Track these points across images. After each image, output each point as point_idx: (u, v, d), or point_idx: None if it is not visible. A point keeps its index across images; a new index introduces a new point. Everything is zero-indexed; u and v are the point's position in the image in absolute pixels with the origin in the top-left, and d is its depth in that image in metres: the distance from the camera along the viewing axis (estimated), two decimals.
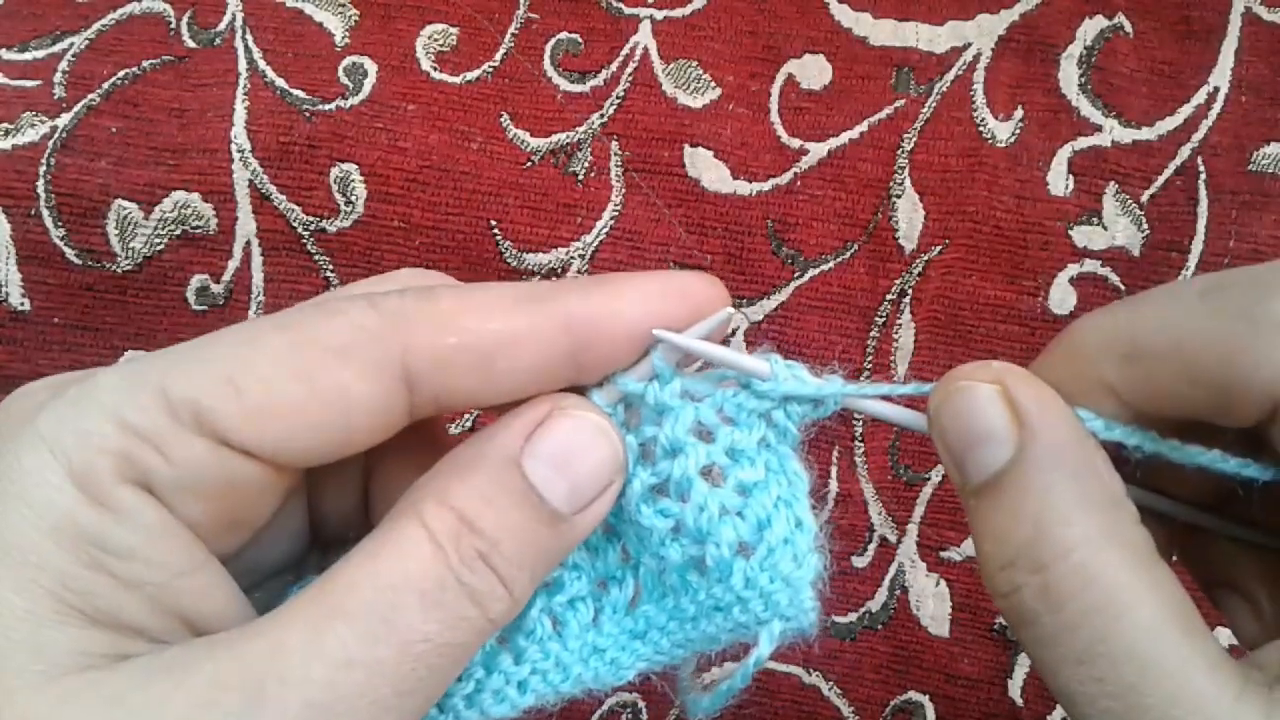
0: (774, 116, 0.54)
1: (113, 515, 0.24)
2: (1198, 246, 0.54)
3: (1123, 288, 0.54)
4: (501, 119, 0.53)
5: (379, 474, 0.32)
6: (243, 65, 0.52)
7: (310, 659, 0.24)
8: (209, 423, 0.25)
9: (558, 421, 0.27)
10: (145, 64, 0.52)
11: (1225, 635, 0.43)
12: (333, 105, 0.52)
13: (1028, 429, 0.26)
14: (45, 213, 0.50)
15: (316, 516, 0.32)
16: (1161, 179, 0.54)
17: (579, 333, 0.27)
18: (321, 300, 0.28)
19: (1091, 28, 0.55)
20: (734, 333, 0.53)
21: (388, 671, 0.24)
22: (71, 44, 0.52)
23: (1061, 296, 0.54)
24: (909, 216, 0.54)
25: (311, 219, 0.52)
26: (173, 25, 0.53)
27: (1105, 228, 0.54)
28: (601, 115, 0.53)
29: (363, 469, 0.32)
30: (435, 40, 0.54)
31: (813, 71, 0.54)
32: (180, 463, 0.25)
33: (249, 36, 0.53)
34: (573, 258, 0.53)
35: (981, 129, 0.54)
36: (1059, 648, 0.25)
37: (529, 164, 0.53)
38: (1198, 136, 0.54)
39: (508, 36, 0.54)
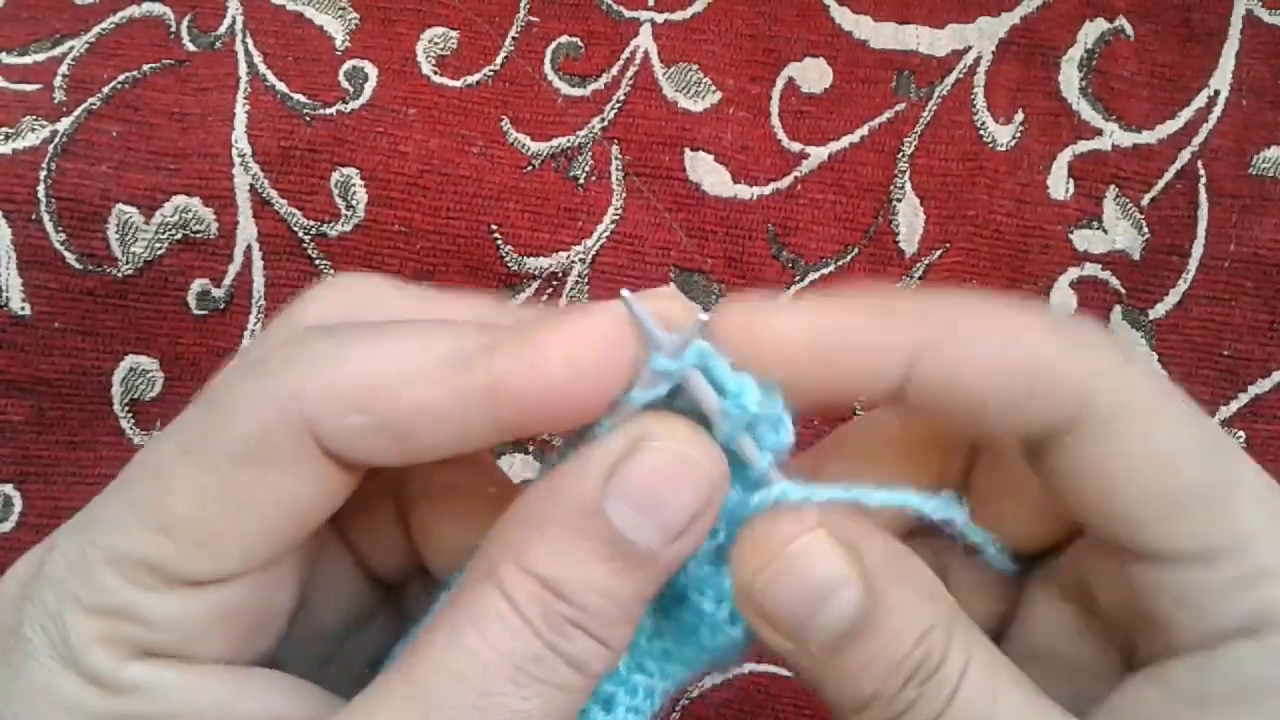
0: (774, 120, 0.54)
1: (132, 696, 0.24)
2: (1198, 250, 0.54)
3: (1123, 291, 0.54)
4: (502, 123, 0.53)
5: (417, 512, 0.30)
6: (243, 69, 0.52)
7: None
8: (165, 573, 0.24)
9: (644, 454, 0.24)
10: (145, 68, 0.52)
11: None
12: (333, 109, 0.52)
13: (868, 562, 0.25)
14: (46, 217, 0.50)
15: (368, 566, 0.31)
16: (1162, 182, 0.54)
17: (506, 404, 0.24)
18: (213, 391, 0.26)
19: (1092, 31, 0.55)
20: None
21: None
22: (71, 47, 0.52)
23: (1062, 300, 0.54)
24: (909, 220, 0.54)
25: (312, 223, 0.52)
26: (173, 29, 0.53)
27: (1106, 231, 0.54)
28: (602, 119, 0.53)
29: (394, 513, 0.31)
30: (436, 44, 0.54)
31: (813, 75, 0.54)
32: (164, 620, 0.24)
33: (249, 40, 0.53)
34: (573, 262, 0.53)
35: (982, 132, 0.54)
36: None
37: (529, 168, 0.53)
38: (1198, 140, 0.54)
39: (508, 40, 0.54)
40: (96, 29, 0.53)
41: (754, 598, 0.25)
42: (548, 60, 0.54)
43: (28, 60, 0.52)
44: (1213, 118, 0.55)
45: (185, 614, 0.25)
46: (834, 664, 0.25)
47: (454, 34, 0.54)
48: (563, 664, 0.24)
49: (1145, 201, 0.54)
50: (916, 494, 0.27)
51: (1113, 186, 0.54)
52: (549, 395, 0.24)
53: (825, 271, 0.53)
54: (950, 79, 0.54)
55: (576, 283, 0.53)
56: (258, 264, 0.52)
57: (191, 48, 0.53)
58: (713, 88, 0.54)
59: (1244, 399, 0.55)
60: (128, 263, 0.51)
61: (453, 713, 0.23)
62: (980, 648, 0.26)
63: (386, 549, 0.31)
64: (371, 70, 0.53)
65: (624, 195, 0.53)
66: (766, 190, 0.53)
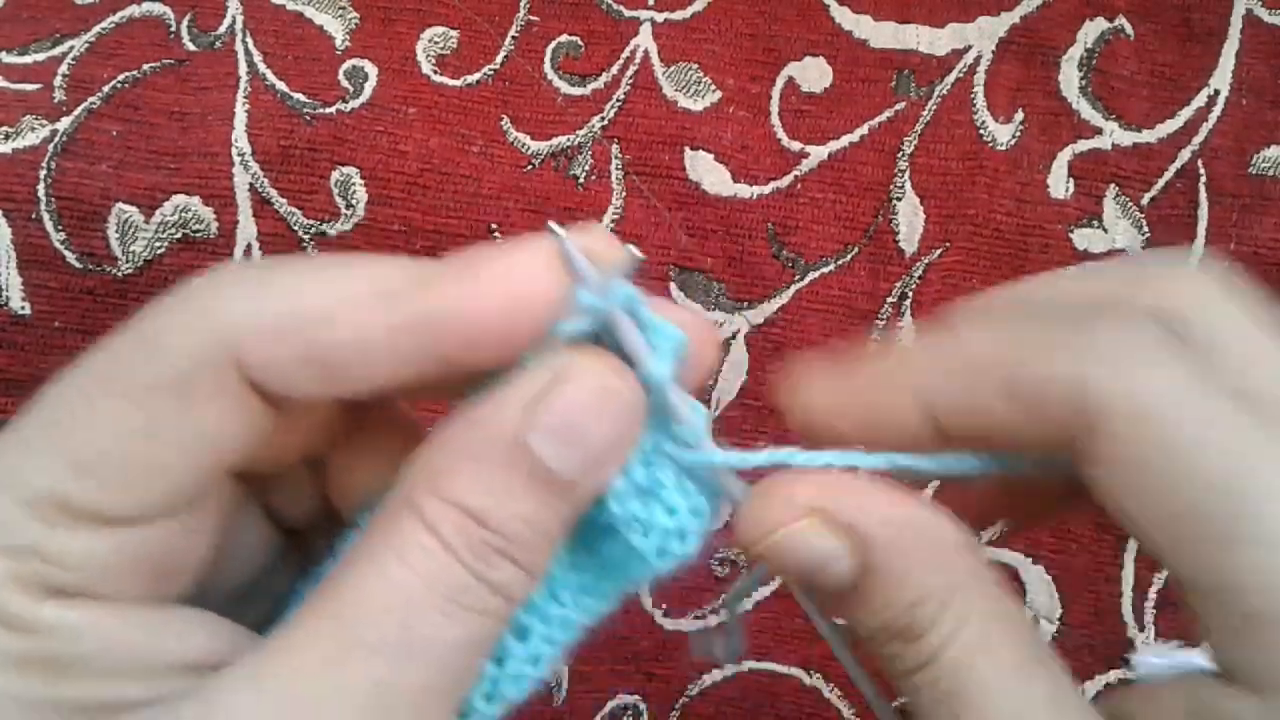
0: (774, 119, 0.54)
1: (45, 636, 0.23)
2: (1198, 249, 0.54)
3: None
4: (502, 122, 0.53)
5: (331, 455, 0.30)
6: (243, 68, 0.52)
7: (337, 696, 0.22)
8: (79, 510, 0.23)
9: (561, 389, 0.24)
10: (145, 67, 0.52)
11: None
12: (333, 108, 0.52)
13: (863, 534, 0.25)
14: (46, 216, 0.50)
15: (275, 512, 0.31)
16: (1162, 182, 0.54)
17: (436, 335, 0.24)
18: (135, 321, 0.25)
19: (1092, 30, 0.55)
20: (735, 335, 0.53)
21: (417, 686, 0.23)
22: (71, 47, 0.52)
23: None
24: (909, 219, 0.54)
25: (312, 222, 0.52)
26: (173, 28, 0.53)
27: (1106, 230, 0.54)
28: (602, 118, 0.53)
29: (307, 465, 0.30)
30: (435, 43, 0.54)
31: (813, 74, 0.54)
32: (74, 558, 0.23)
33: (249, 40, 0.53)
34: None
35: (982, 132, 0.54)
36: (926, 703, 0.26)
37: (529, 167, 0.53)
38: (1198, 139, 0.54)
39: (508, 39, 0.54)
40: (96, 29, 0.53)
41: (769, 558, 0.26)
42: (548, 59, 0.54)
43: (28, 60, 0.52)
44: (1213, 117, 0.55)
45: (99, 553, 0.24)
46: (838, 605, 0.26)
47: (454, 33, 0.54)
48: (488, 591, 0.24)
49: (1145, 201, 0.54)
50: (848, 454, 0.27)
51: (1113, 186, 0.54)
52: (479, 325, 0.25)
53: (825, 270, 0.53)
54: (950, 78, 0.54)
55: None
56: None
57: (191, 47, 0.53)
58: (713, 87, 0.54)
59: None
60: (128, 262, 0.51)
61: (378, 643, 0.23)
62: (979, 614, 0.25)
63: (296, 495, 0.30)
64: (371, 69, 0.53)
65: (624, 194, 0.53)
66: (766, 189, 0.53)
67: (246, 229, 0.52)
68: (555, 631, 0.28)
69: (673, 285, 0.53)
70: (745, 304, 0.53)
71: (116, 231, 0.51)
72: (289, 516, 0.31)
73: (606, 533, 0.27)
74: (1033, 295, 0.28)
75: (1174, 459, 0.23)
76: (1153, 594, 0.55)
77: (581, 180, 0.53)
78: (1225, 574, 0.23)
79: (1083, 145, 0.54)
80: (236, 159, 0.51)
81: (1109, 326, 0.24)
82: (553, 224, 0.26)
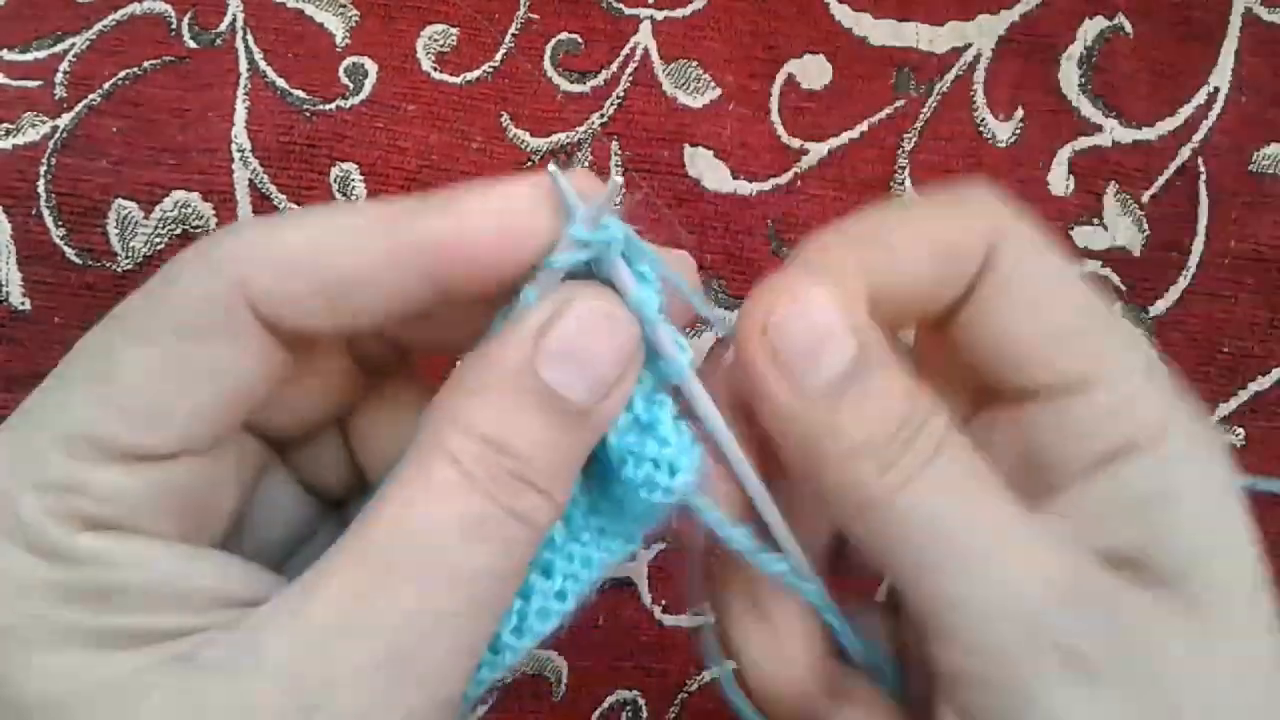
0: (774, 116, 0.54)
1: (86, 565, 0.24)
2: (1198, 247, 0.54)
3: (1123, 288, 0.54)
4: (502, 119, 0.53)
5: (358, 423, 0.31)
6: (243, 65, 0.52)
7: (374, 624, 0.23)
8: (110, 445, 0.25)
9: (565, 318, 0.26)
10: (146, 64, 0.52)
11: None
12: (333, 105, 0.52)
13: (858, 319, 0.27)
14: (46, 212, 0.50)
15: (310, 483, 0.32)
16: (1162, 179, 0.54)
17: (436, 259, 0.26)
18: (158, 275, 0.27)
19: (1092, 28, 0.55)
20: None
21: (447, 613, 0.24)
22: (72, 44, 0.52)
23: None
24: None
25: None
26: (173, 26, 0.53)
27: (1106, 228, 0.54)
28: (602, 115, 0.53)
29: (337, 430, 0.31)
30: (435, 41, 0.54)
31: (813, 71, 0.54)
32: (108, 493, 0.25)
33: (249, 37, 0.53)
34: None
35: (982, 129, 0.54)
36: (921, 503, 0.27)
37: (529, 164, 0.53)
38: (1198, 137, 0.54)
39: (508, 37, 0.54)
40: (98, 26, 0.53)
41: (769, 336, 0.27)
42: (547, 57, 0.54)
43: (29, 57, 0.53)
44: (1212, 115, 0.55)
45: (129, 488, 0.25)
46: (831, 409, 0.27)
47: (454, 31, 0.54)
48: (511, 519, 0.25)
49: (1145, 198, 0.54)
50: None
51: (1113, 183, 0.54)
52: (476, 250, 0.26)
53: None
54: (950, 76, 0.54)
55: None
56: None
57: (192, 45, 0.53)
58: (712, 84, 0.54)
59: (1244, 396, 0.55)
60: (128, 257, 0.51)
61: (408, 572, 0.24)
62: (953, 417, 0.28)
63: (328, 464, 0.31)
64: (371, 67, 0.53)
65: (623, 191, 0.53)
66: (766, 186, 0.54)
67: None
68: (579, 569, 0.29)
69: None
70: (745, 301, 0.53)
71: (116, 227, 0.51)
72: (325, 485, 0.32)
73: (611, 474, 0.28)
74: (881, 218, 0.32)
75: (1057, 290, 0.29)
76: None
77: None
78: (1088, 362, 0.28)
79: (1083, 143, 0.54)
80: (236, 155, 0.51)
81: (990, 195, 0.30)
82: (551, 167, 0.27)
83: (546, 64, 0.54)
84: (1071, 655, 0.25)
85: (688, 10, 0.55)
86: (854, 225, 0.30)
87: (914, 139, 0.54)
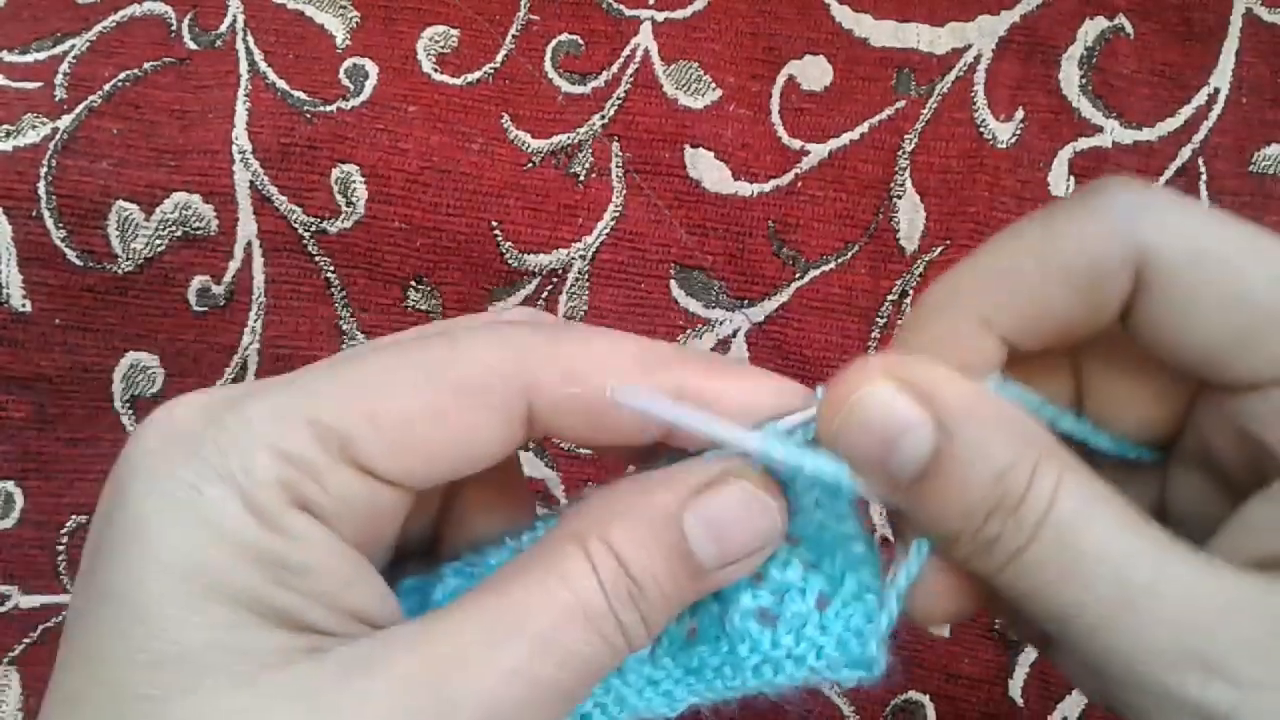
0: (775, 117, 0.54)
1: (287, 538, 0.26)
2: None
3: None
4: (502, 120, 0.53)
5: (460, 493, 0.33)
6: (244, 67, 0.52)
7: (487, 667, 0.26)
8: (354, 454, 0.27)
9: (726, 489, 0.29)
10: (146, 66, 0.52)
11: None
12: (334, 106, 0.52)
13: (940, 404, 0.27)
14: (46, 214, 0.50)
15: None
16: (1162, 180, 0.54)
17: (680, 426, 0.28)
18: (449, 329, 0.30)
19: (1092, 29, 0.55)
20: (735, 333, 0.53)
21: (545, 685, 0.26)
22: (72, 46, 0.52)
23: None
24: (910, 217, 0.54)
25: (312, 220, 0.52)
26: (174, 27, 0.53)
27: None
28: (602, 116, 0.53)
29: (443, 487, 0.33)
30: (436, 42, 0.54)
31: (813, 73, 0.54)
32: (333, 490, 0.27)
33: (250, 38, 0.53)
34: (574, 259, 0.53)
35: (982, 130, 0.54)
36: (1041, 572, 0.26)
37: (530, 165, 0.53)
38: (1198, 138, 0.54)
39: (508, 38, 0.54)
40: (98, 27, 0.53)
41: (837, 447, 0.28)
42: (548, 58, 0.54)
43: (29, 59, 0.53)
44: (1213, 115, 0.55)
45: (352, 494, 0.27)
46: (919, 502, 0.28)
47: (454, 32, 0.54)
48: (617, 627, 0.27)
49: None
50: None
51: None
52: (727, 407, 0.29)
53: (826, 268, 0.53)
54: (950, 77, 0.54)
55: (577, 280, 0.53)
56: (258, 261, 0.52)
57: (192, 46, 0.53)
58: (713, 85, 0.54)
59: None
60: (128, 259, 0.51)
61: (528, 637, 0.26)
62: (1073, 476, 0.27)
63: (422, 524, 0.33)
64: (372, 68, 0.53)
65: (624, 192, 0.53)
66: (767, 187, 0.53)
67: (246, 226, 0.52)
68: (610, 703, 0.31)
69: (673, 283, 0.53)
70: (746, 302, 0.53)
71: (117, 229, 0.51)
72: (408, 539, 0.33)
73: (718, 638, 0.31)
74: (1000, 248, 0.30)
75: (1237, 281, 0.26)
76: None
77: (582, 178, 0.53)
78: None
79: (1083, 143, 0.54)
80: (237, 156, 0.51)
81: (1123, 192, 0.27)
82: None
83: (547, 65, 0.54)
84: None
85: (688, 11, 0.55)
86: (984, 258, 0.29)
87: (914, 140, 0.54)
